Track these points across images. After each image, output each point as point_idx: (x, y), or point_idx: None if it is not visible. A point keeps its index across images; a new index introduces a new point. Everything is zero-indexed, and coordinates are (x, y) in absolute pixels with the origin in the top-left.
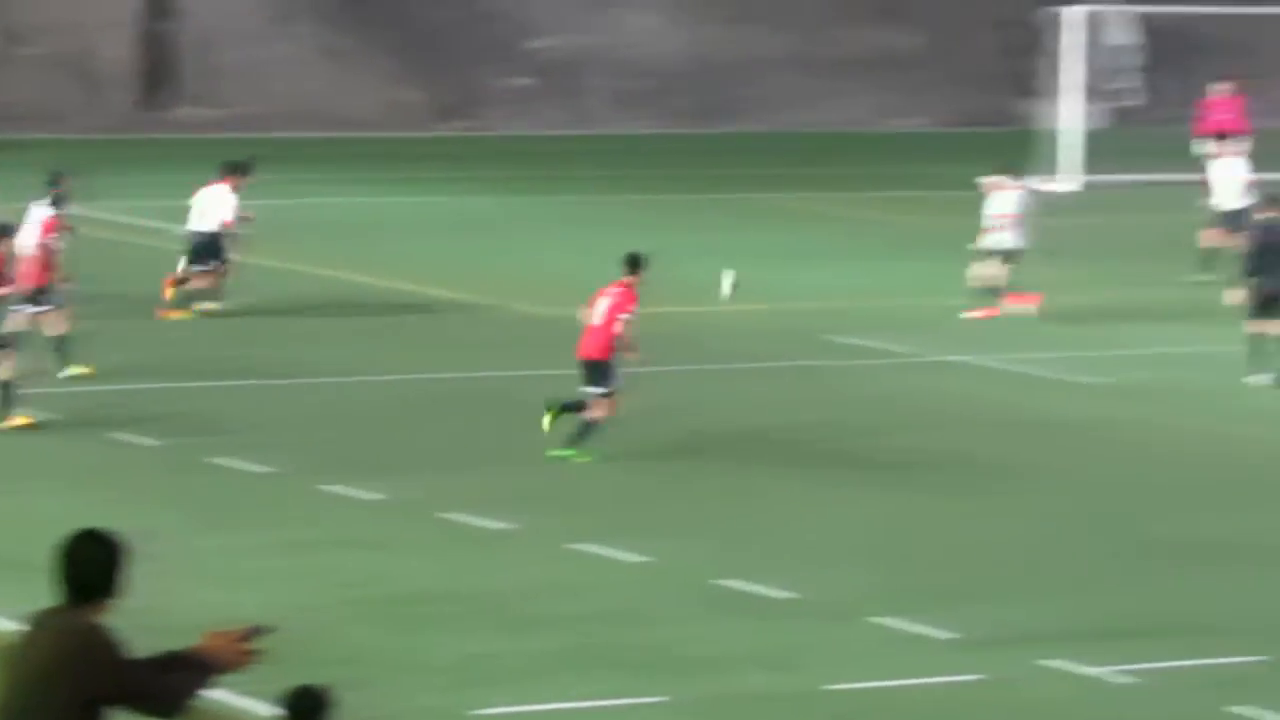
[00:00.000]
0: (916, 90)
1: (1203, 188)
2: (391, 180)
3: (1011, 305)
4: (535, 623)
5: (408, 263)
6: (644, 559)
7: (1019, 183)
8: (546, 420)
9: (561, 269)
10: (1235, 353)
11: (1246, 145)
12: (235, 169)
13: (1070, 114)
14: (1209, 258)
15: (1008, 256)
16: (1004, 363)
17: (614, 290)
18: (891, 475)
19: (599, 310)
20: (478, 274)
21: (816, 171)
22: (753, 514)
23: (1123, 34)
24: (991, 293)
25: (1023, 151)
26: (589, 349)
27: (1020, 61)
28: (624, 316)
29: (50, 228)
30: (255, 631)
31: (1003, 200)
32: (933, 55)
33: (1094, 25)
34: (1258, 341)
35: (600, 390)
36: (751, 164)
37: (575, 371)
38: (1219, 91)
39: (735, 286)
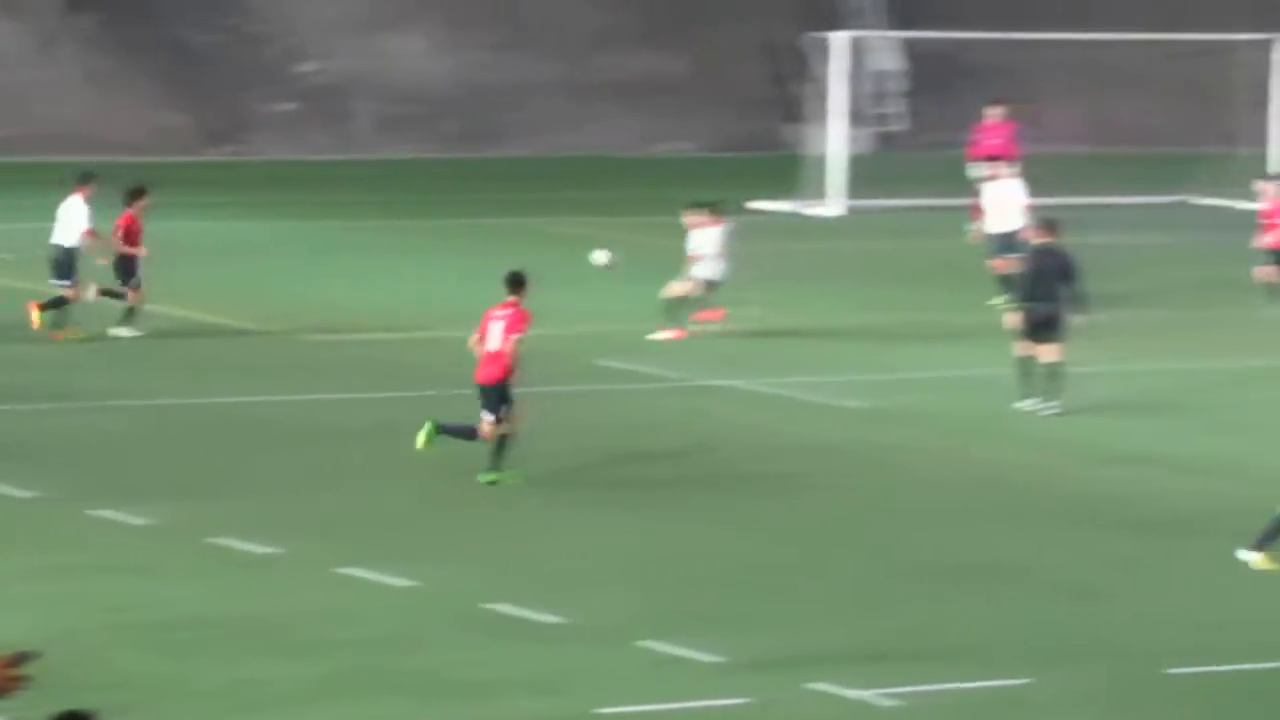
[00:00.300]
0: (683, 115)
1: (973, 212)
2: (157, 205)
3: (699, 322)
4: (304, 648)
5: (174, 287)
6: (412, 584)
7: (719, 219)
8: (422, 437)
9: (329, 294)
10: (1006, 376)
11: (1017, 169)
12: (88, 179)
13: (835, 139)
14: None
15: (707, 287)
16: (771, 386)
17: (503, 312)
18: (658, 499)
19: (493, 334)
20: (244, 299)
21: (583, 196)
22: (521, 538)
23: (887, 59)
24: (676, 313)
25: (789, 175)
26: (487, 374)
27: (787, 86)
28: (516, 337)
29: None
30: (22, 657)
31: (702, 237)
32: (699, 80)
33: (859, 51)
34: (1026, 365)
35: (491, 416)
36: (518, 189)
37: (332, 396)
38: (991, 116)
39: (612, 263)
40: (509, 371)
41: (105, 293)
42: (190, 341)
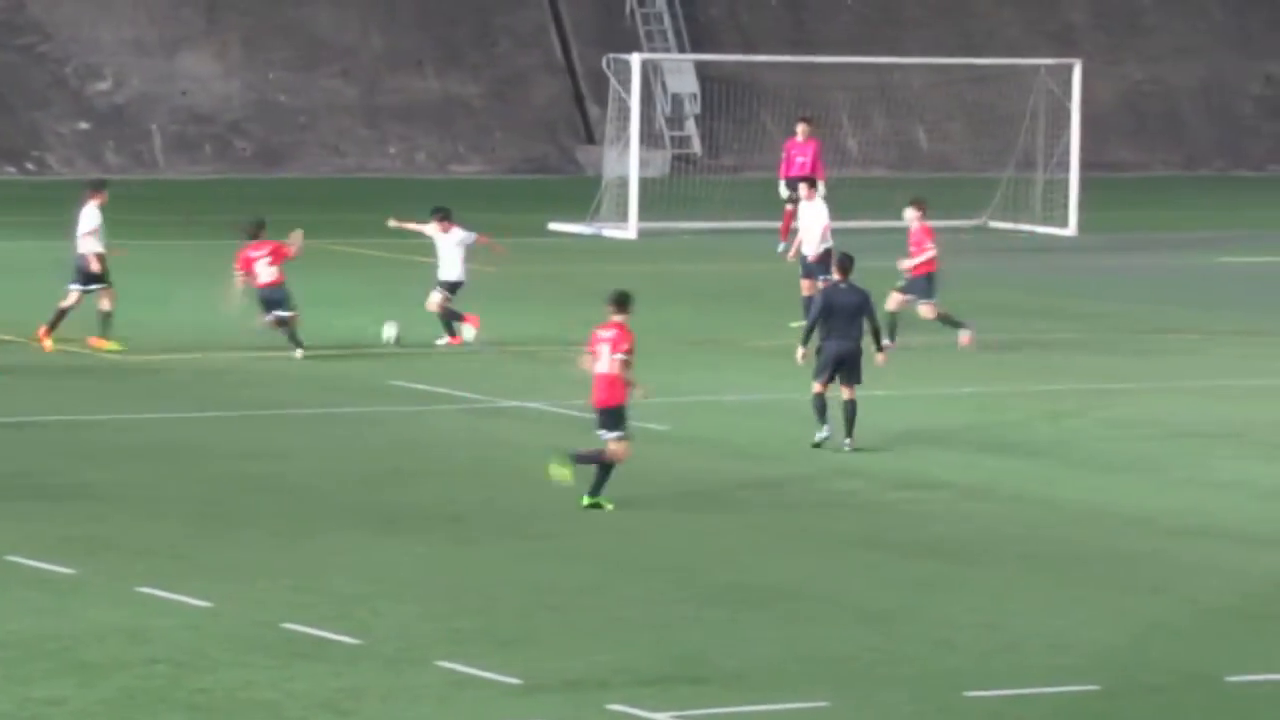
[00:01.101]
0: (478, 137)
1: (782, 231)
2: None
3: (470, 326)
4: (96, 667)
5: None
6: (205, 603)
7: (449, 226)
8: (565, 472)
9: (126, 314)
10: (802, 401)
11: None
12: (100, 185)
13: (629, 161)
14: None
15: (451, 288)
16: (567, 408)
17: (608, 333)
18: (453, 520)
19: (602, 356)
20: (32, 319)
21: (376, 219)
22: (317, 559)
23: (682, 82)
24: (452, 321)
25: (585, 197)
26: (601, 397)
27: (582, 108)
28: (621, 356)
29: None
30: None
31: (447, 241)
32: (494, 102)
33: (654, 74)
34: (821, 400)
35: (617, 434)
36: (311, 210)
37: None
38: (799, 134)
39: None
40: (625, 392)
41: None
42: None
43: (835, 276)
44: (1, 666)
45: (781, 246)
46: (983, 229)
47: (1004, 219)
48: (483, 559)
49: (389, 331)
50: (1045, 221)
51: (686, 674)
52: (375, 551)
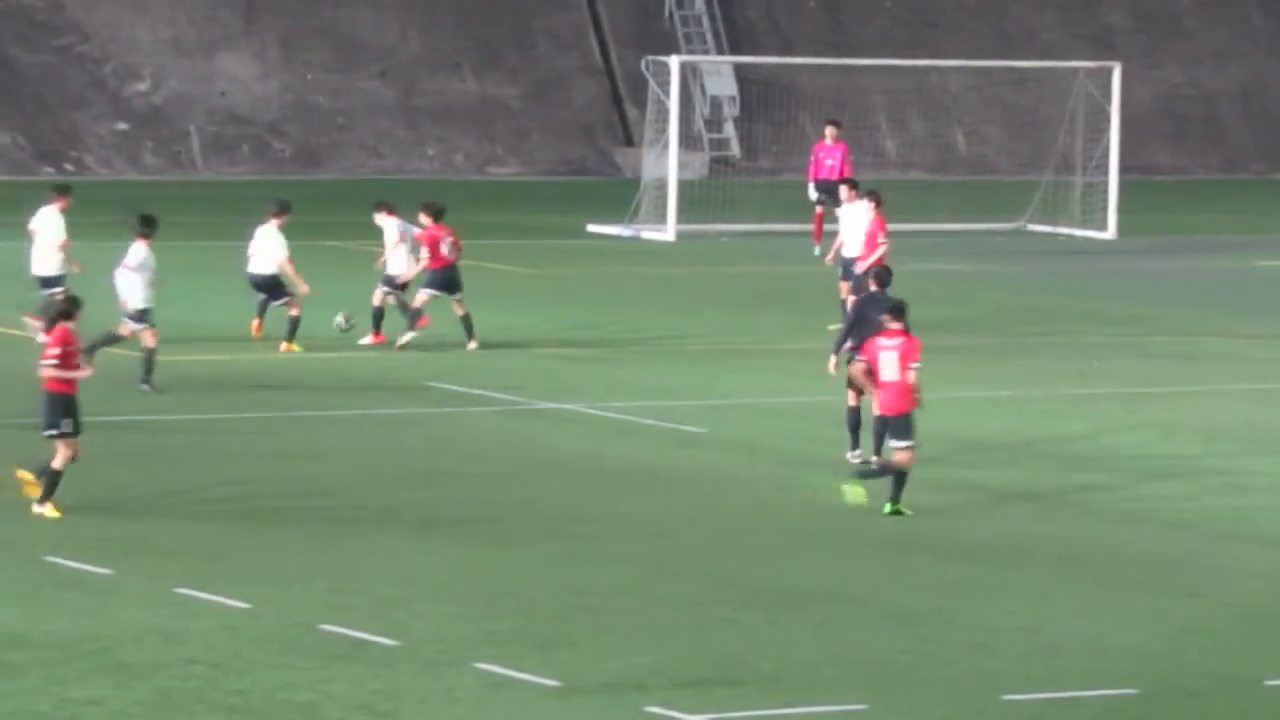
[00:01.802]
0: (517, 138)
1: (815, 235)
2: None
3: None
4: (137, 668)
5: (7, 307)
6: (245, 604)
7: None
8: (859, 491)
9: (164, 316)
10: (837, 402)
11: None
12: (284, 207)
13: (668, 163)
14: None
15: (390, 281)
16: (606, 410)
17: (892, 342)
18: (490, 522)
19: (888, 365)
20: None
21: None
22: (354, 560)
23: (721, 85)
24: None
25: (623, 199)
26: (889, 405)
27: (620, 110)
28: (915, 365)
29: None
30: None
31: (389, 230)
32: (533, 103)
33: (693, 76)
34: (856, 416)
35: (907, 443)
36: (348, 211)
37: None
38: (827, 136)
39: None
40: (910, 402)
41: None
42: (12, 359)
43: (872, 287)
44: (39, 667)
45: (818, 249)
46: (1021, 232)
47: (1042, 222)
48: (520, 561)
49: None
50: (1084, 224)
51: (723, 676)
52: (412, 553)
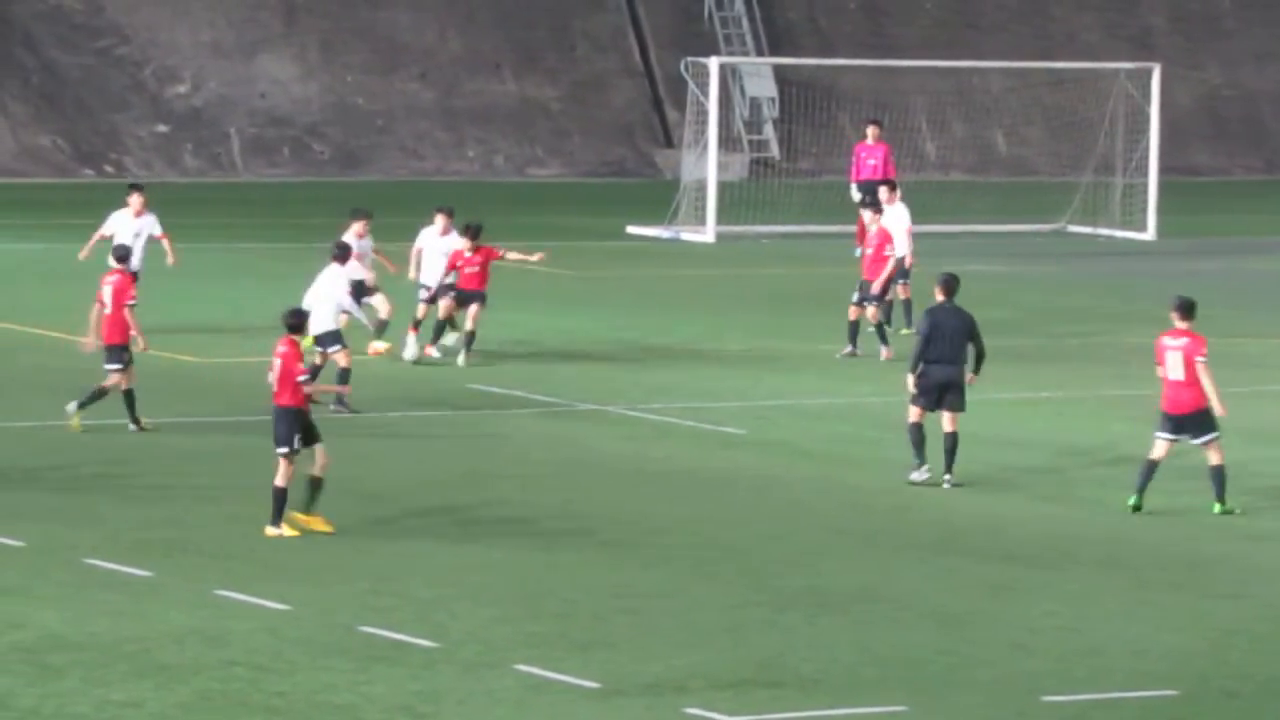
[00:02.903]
0: (557, 140)
1: (858, 236)
2: (26, 226)
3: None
4: (177, 670)
5: (47, 309)
6: (285, 606)
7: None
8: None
9: (204, 317)
10: (876, 404)
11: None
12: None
13: (708, 165)
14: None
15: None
16: (646, 411)
17: (1180, 341)
18: (530, 523)
19: (1175, 365)
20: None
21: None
22: (394, 562)
23: (761, 86)
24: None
25: (663, 201)
26: (1183, 404)
27: (660, 112)
28: (1201, 360)
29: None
30: None
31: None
32: (573, 105)
33: (733, 77)
34: (919, 432)
35: (1208, 437)
36: (388, 213)
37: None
38: (868, 136)
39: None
40: (1202, 397)
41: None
42: (61, 364)
43: (939, 297)
44: (80, 669)
45: (859, 250)
46: (1061, 233)
47: (1082, 223)
48: (559, 562)
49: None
50: (1124, 226)
51: (763, 678)
52: (452, 555)
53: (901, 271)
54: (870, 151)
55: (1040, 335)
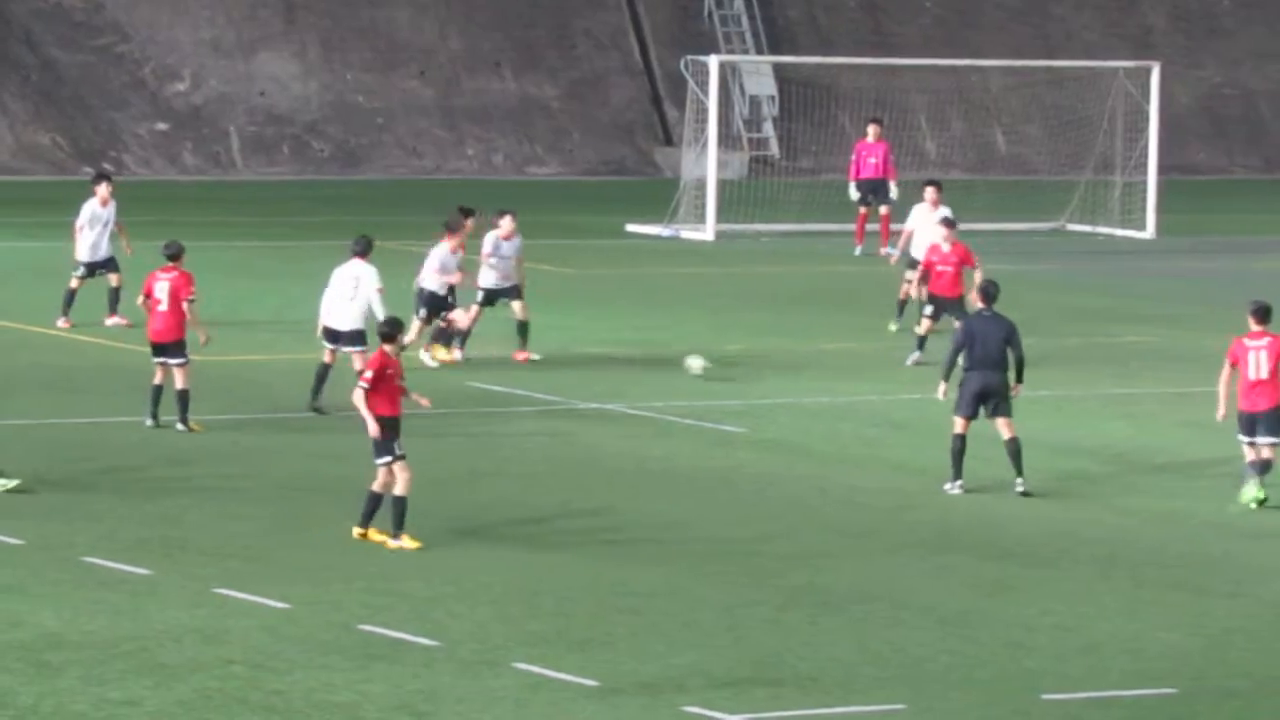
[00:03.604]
0: (556, 138)
1: (859, 236)
2: (26, 224)
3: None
4: (176, 668)
5: (46, 307)
6: (284, 605)
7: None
8: (1254, 493)
9: (202, 316)
10: (874, 402)
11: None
12: (457, 219)
13: (707, 163)
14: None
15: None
16: (645, 410)
17: (1261, 341)
18: (529, 522)
19: (1258, 364)
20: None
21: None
22: (392, 561)
23: (760, 84)
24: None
25: (663, 199)
26: (1257, 403)
27: (660, 110)
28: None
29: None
30: None
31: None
32: (572, 103)
33: (732, 76)
34: (961, 443)
35: (1275, 439)
36: (388, 212)
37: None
38: (869, 135)
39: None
40: (1276, 397)
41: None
42: (57, 361)
43: (978, 304)
44: (78, 667)
45: (859, 249)
46: (1060, 231)
47: (1082, 222)
48: (558, 561)
49: (695, 366)
50: (1123, 224)
51: (762, 676)
52: (451, 554)
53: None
54: (871, 150)
55: (1040, 334)
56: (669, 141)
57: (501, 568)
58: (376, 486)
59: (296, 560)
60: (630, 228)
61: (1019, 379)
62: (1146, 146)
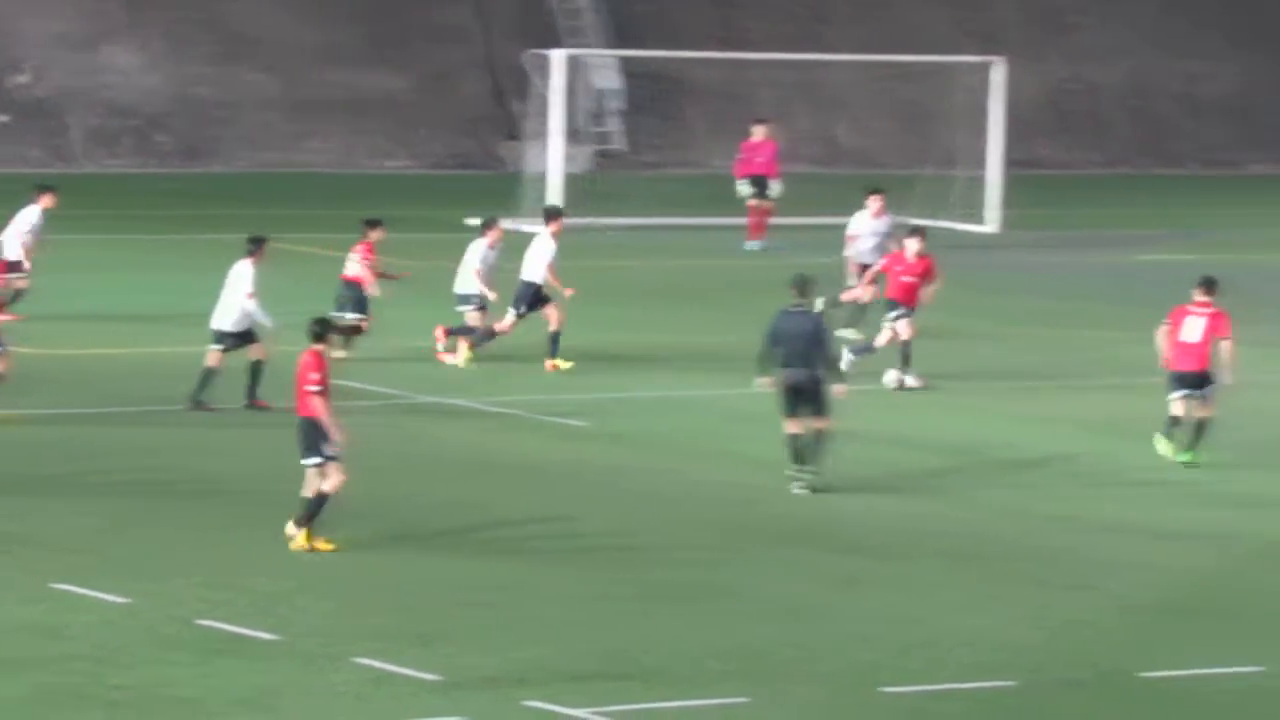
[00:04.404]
0: (403, 132)
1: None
2: None
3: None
4: (16, 664)
5: None
6: (125, 600)
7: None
8: (1166, 449)
9: (35, 308)
10: (725, 397)
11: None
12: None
13: (553, 157)
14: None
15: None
16: (493, 405)
17: (1204, 311)
18: (375, 517)
19: (1192, 329)
20: None
21: (301, 214)
22: (236, 556)
23: (606, 78)
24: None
25: (509, 193)
26: (1189, 362)
27: (507, 104)
28: (1224, 339)
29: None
30: None
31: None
32: (420, 97)
33: (579, 69)
34: (796, 443)
35: (1205, 393)
36: (234, 205)
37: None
38: (756, 134)
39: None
40: (1209, 361)
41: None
42: None
43: (792, 297)
44: None
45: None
46: (903, 225)
47: (924, 216)
48: (403, 555)
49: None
50: (966, 219)
51: (606, 670)
52: (291, 548)
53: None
54: (757, 149)
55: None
56: (513, 136)
57: (344, 562)
58: (309, 491)
59: (139, 556)
60: (470, 221)
61: (834, 378)
62: (992, 141)
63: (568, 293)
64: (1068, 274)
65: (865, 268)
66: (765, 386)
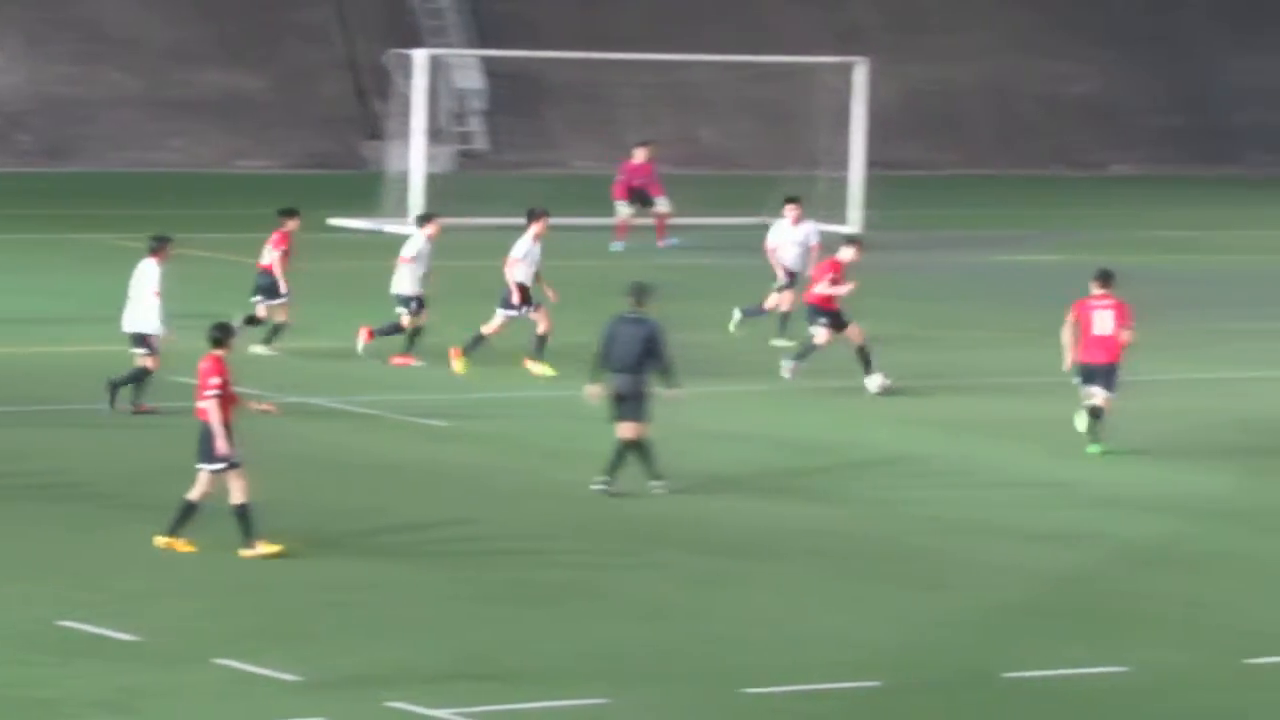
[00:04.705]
0: (263, 131)
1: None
2: None
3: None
4: None
5: None
6: None
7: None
8: (1083, 427)
9: None
10: (579, 398)
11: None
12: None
13: (416, 156)
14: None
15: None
16: (353, 404)
17: (1107, 303)
18: (233, 517)
19: (1103, 322)
20: None
21: (160, 213)
22: (95, 556)
23: (468, 78)
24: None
25: (370, 193)
26: (1098, 355)
27: (368, 103)
28: (1127, 327)
29: None
30: None
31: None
32: (280, 96)
33: (441, 69)
34: (621, 449)
35: (1110, 391)
36: (94, 205)
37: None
38: (637, 156)
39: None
40: (1119, 355)
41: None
42: None
43: (629, 304)
44: None
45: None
46: (765, 226)
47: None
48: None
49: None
50: (828, 219)
51: (467, 671)
52: (153, 549)
53: (788, 284)
54: (636, 171)
55: (739, 327)
56: (375, 135)
57: (205, 562)
58: (195, 495)
59: None
60: (332, 221)
61: (670, 383)
62: (853, 142)
63: (552, 295)
64: (931, 274)
65: (793, 275)
66: (594, 397)
